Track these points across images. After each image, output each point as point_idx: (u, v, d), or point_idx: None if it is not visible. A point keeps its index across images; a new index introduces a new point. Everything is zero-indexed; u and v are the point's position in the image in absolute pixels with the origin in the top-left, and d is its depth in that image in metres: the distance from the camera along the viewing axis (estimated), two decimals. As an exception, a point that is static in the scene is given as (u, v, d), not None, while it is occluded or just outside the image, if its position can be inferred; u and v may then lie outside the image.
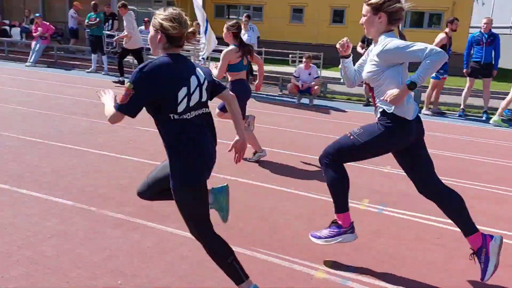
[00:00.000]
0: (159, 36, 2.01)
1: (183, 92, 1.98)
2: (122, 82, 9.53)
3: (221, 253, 2.13)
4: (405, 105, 2.53)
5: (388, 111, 2.54)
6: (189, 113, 2.01)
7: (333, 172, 2.66)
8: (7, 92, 8.15)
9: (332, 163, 2.66)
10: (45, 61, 12.93)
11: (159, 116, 2.01)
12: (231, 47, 4.63)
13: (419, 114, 2.67)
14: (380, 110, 2.60)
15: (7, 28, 15.25)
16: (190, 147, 2.00)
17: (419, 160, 2.67)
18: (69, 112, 6.79)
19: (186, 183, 2.02)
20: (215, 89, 2.22)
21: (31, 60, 12.50)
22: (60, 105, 7.34)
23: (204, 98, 2.10)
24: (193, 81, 2.03)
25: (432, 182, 2.66)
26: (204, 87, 2.10)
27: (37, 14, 13.08)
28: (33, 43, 12.70)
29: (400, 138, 2.59)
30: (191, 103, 2.01)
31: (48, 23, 13.05)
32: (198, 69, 2.11)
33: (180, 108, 1.98)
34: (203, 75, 2.11)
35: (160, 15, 2.03)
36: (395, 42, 2.52)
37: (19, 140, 5.14)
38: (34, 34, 12.87)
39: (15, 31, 15.02)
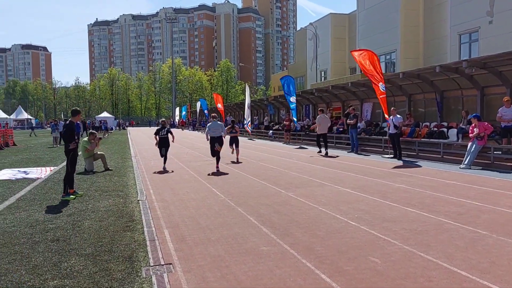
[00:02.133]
0: None
1: None
2: None
3: None
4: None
5: None
6: None
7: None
8: (440, 200, 7.57)
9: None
10: (480, 162, 11.90)
11: None
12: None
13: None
14: None
15: (445, 130, 15.42)
16: None
17: None
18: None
19: None
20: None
21: (465, 162, 11.83)
22: (493, 221, 5.98)
23: None
24: None
25: None
26: None
27: (473, 115, 12.43)
28: (469, 144, 12.07)
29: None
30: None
31: (486, 123, 12.10)
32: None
33: None
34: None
35: None
36: None
37: (449, 272, 4.23)
38: (470, 135, 12.25)
39: (452, 132, 14.93)
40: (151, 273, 4.25)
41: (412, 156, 14.77)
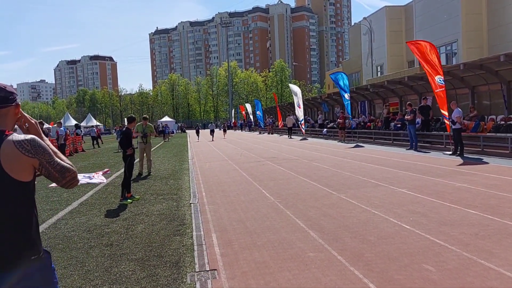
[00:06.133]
0: None
1: None
2: None
3: None
4: None
5: None
6: None
7: None
8: (506, 201, 6.93)
9: None
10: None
11: None
12: None
13: None
14: None
15: (513, 123, 14.23)
16: None
17: None
18: None
19: None
20: None
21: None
22: None
23: None
24: None
25: None
26: None
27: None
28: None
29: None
30: None
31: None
32: None
33: None
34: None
35: None
36: None
37: None
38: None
39: (522, 125, 13.76)
40: (196, 279, 4.23)
41: (477, 152, 13.78)
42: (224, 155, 19.13)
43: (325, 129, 28.60)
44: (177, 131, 69.99)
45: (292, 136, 32.75)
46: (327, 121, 31.69)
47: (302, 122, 29.65)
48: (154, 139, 36.23)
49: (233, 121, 73.96)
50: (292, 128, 32.78)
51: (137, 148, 13.12)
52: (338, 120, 24.74)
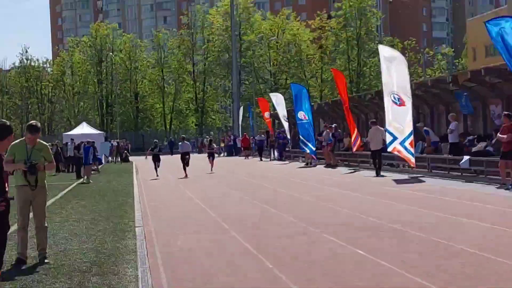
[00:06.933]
0: None
1: None
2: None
3: None
4: None
5: None
6: None
7: None
8: None
9: None
10: None
11: None
12: None
13: None
14: None
15: None
16: None
17: None
18: None
19: None
20: None
21: None
22: None
23: None
24: None
25: None
26: None
27: None
28: None
29: None
30: None
31: None
32: None
33: None
34: None
35: None
36: None
37: None
38: None
39: None
40: None
41: None
42: (210, 211, 19.18)
43: (467, 157, 28.47)
44: (109, 158, 71.13)
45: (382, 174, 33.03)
46: (471, 137, 31.78)
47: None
48: (52, 177, 36.55)
49: (240, 136, 74.59)
50: (381, 152, 34.73)
51: (13, 199, 13.01)
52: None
